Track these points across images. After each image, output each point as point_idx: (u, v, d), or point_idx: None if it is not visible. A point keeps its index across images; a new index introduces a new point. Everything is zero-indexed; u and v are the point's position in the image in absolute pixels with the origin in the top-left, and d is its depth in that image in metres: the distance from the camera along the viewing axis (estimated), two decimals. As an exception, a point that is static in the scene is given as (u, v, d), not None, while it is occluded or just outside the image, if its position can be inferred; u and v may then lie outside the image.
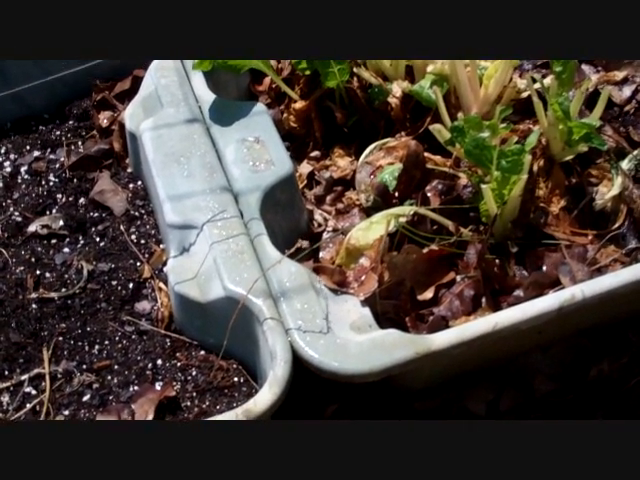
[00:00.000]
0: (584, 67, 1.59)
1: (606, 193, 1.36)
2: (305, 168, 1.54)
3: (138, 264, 1.40)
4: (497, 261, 1.32)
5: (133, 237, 1.44)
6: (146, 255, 1.41)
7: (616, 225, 1.34)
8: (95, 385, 1.25)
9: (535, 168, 1.37)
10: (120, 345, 1.30)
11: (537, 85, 1.38)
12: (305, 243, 1.28)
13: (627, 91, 1.54)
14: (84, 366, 1.27)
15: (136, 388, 1.24)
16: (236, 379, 1.24)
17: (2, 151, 1.61)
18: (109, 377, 1.26)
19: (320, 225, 1.45)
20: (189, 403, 1.22)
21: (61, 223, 1.46)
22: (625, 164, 1.39)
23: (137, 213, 1.48)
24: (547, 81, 1.41)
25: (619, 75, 1.55)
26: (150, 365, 1.26)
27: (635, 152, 1.40)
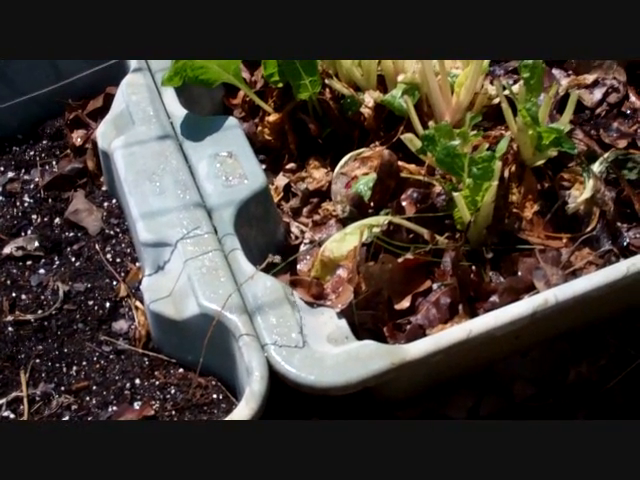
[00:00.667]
0: (555, 71, 1.60)
1: (578, 196, 1.37)
2: (281, 180, 1.54)
3: (114, 283, 1.39)
4: (473, 268, 1.32)
5: (109, 256, 1.44)
6: (122, 274, 1.41)
7: (589, 228, 1.35)
8: (74, 406, 1.24)
9: (507, 174, 1.37)
10: (98, 365, 1.29)
11: (507, 91, 1.38)
12: (279, 257, 1.27)
13: (598, 94, 1.55)
14: (62, 388, 1.26)
15: (115, 408, 1.23)
16: (215, 396, 1.24)
17: (-24, 173, 1.61)
18: (88, 398, 1.25)
19: (297, 237, 1.46)
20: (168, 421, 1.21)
21: (36, 244, 1.46)
22: (596, 167, 1.39)
23: (112, 232, 1.48)
24: (516, 87, 1.42)
25: (589, 78, 1.56)
26: (128, 385, 1.26)
27: (606, 155, 1.41)
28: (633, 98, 1.55)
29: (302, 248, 1.42)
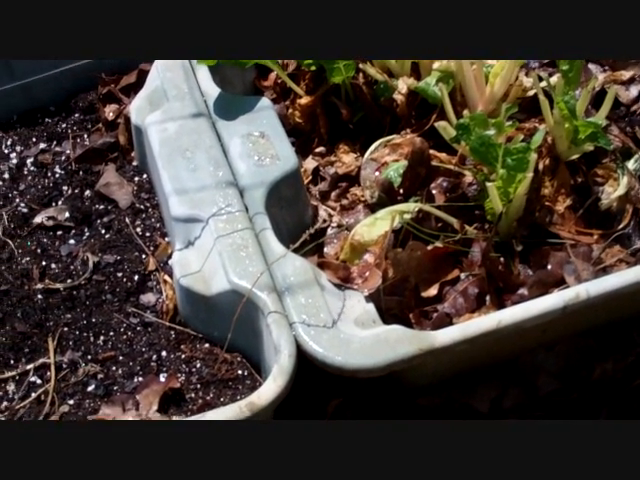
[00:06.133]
0: (591, 66, 1.59)
1: (612, 193, 1.37)
2: (310, 164, 1.54)
3: (143, 256, 1.40)
4: (502, 259, 1.32)
5: (138, 230, 1.44)
6: (151, 248, 1.41)
7: (622, 225, 1.34)
8: (100, 375, 1.26)
9: (541, 167, 1.37)
10: (125, 336, 1.30)
11: (543, 83, 1.38)
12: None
13: (634, 91, 1.54)
14: (89, 356, 1.28)
15: (140, 379, 1.24)
16: (240, 372, 1.24)
17: (8, 143, 1.62)
18: (114, 368, 1.26)
19: (325, 221, 1.45)
20: (193, 395, 1.22)
21: (67, 215, 1.47)
22: (631, 164, 1.39)
23: (142, 206, 1.48)
24: (553, 79, 1.42)
25: (626, 75, 1.55)
26: (155, 357, 1.27)
27: (641, 152, 1.41)
28: (670, 97, 1.54)
29: (329, 232, 1.42)
